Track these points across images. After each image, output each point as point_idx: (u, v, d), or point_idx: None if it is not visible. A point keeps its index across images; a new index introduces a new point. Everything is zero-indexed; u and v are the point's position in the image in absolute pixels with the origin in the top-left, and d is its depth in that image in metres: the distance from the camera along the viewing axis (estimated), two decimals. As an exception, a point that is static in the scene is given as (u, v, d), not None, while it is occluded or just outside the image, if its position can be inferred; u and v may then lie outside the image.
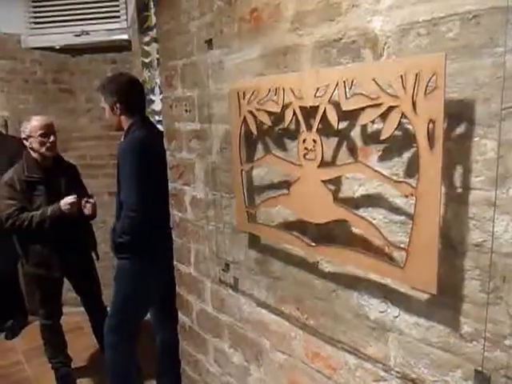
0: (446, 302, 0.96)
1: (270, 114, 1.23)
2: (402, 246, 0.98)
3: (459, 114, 0.90)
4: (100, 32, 3.73)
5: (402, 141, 0.99)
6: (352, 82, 1.00)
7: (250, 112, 1.28)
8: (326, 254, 1.15)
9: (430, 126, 0.87)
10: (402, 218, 1.01)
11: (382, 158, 1.04)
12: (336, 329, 1.22)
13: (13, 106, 3.73)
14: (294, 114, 1.15)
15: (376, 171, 1.00)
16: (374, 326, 1.12)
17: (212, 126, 1.52)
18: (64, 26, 3.64)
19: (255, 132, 1.29)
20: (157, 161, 1.98)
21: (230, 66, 1.41)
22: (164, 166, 1.88)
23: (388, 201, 1.04)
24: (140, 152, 2.12)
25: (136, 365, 2.55)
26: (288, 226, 1.28)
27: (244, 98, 1.29)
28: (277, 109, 1.19)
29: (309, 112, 1.11)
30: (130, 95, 2.29)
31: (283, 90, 1.16)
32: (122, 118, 2.31)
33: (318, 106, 1.08)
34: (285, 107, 1.17)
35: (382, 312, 1.10)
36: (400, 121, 0.93)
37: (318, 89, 1.07)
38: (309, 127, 1.12)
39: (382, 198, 1.05)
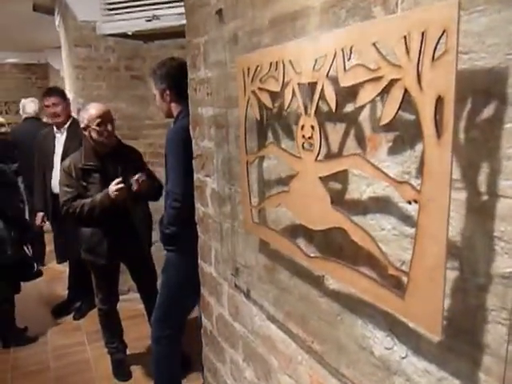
0: (461, 349, 0.72)
1: (271, 94, 1.06)
2: (407, 268, 0.76)
3: (487, 89, 0.65)
4: (170, 16, 3.76)
5: (416, 128, 0.76)
6: (351, 49, 0.79)
7: (253, 92, 1.11)
8: (324, 269, 0.95)
9: (439, 106, 0.64)
10: (414, 230, 0.78)
11: (392, 151, 0.82)
12: (340, 360, 1.02)
13: (87, 93, 3.93)
14: (294, 93, 0.96)
15: (376, 167, 0.78)
16: (379, 364, 0.90)
17: (228, 111, 1.38)
18: (136, 12, 3.73)
19: (258, 116, 1.12)
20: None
21: (244, 40, 1.26)
22: None
23: (398, 207, 0.82)
24: (185, 140, 2.05)
25: (182, 358, 2.52)
26: (293, 231, 1.10)
27: (248, 75, 1.13)
28: (277, 87, 1.01)
29: (307, 90, 0.92)
30: (179, 81, 2.21)
31: (283, 63, 0.98)
32: (172, 104, 2.26)
33: (316, 83, 0.88)
34: (285, 85, 0.99)
35: (387, 349, 0.88)
36: (403, 100, 0.70)
37: (316, 60, 0.88)
38: (307, 110, 0.93)
39: (390, 203, 0.83)
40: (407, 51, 0.68)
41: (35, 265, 3.41)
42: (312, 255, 0.98)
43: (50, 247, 4.63)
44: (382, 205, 0.85)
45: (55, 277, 4.40)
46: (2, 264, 3.06)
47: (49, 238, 4.51)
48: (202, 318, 1.84)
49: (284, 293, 1.21)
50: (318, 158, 0.91)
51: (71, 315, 3.86)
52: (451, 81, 0.61)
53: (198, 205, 1.74)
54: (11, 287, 3.25)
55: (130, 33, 3.85)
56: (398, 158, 0.81)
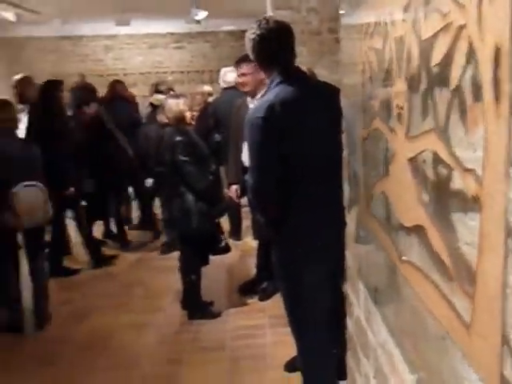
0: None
1: (376, 52, 0.97)
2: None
3: None
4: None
5: None
6: (429, -12, 0.68)
7: (366, 53, 1.04)
8: (411, 278, 0.85)
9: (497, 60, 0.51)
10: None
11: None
12: (443, 400, 0.90)
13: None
14: (391, 50, 0.87)
15: (448, 149, 0.66)
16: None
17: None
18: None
19: (370, 82, 1.05)
20: (301, 125, 1.95)
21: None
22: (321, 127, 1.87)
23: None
24: (267, 122, 1.99)
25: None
26: (392, 224, 1.00)
27: (367, 32, 1.06)
28: (380, 44, 0.93)
29: (399, 47, 0.82)
30: (261, 46, 2.14)
31: (384, 14, 0.89)
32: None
33: (405, 37, 0.78)
34: (385, 41, 0.90)
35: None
36: (469, 54, 0.57)
37: (405, 8, 0.78)
38: (399, 72, 0.83)
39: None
40: (470, -16, 0.55)
41: (222, 239, 3.83)
42: (404, 258, 0.89)
43: (247, 222, 5.10)
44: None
45: (248, 253, 4.79)
46: (188, 236, 3.54)
47: (246, 212, 4.97)
48: (347, 317, 1.82)
49: (401, 303, 1.12)
50: (409, 134, 0.81)
51: (257, 295, 4.16)
52: (505, 23, 0.48)
53: (345, 186, 1.72)
54: (199, 259, 3.71)
55: (333, -11, 3.88)
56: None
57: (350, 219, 1.66)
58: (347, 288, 1.77)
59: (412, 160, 0.80)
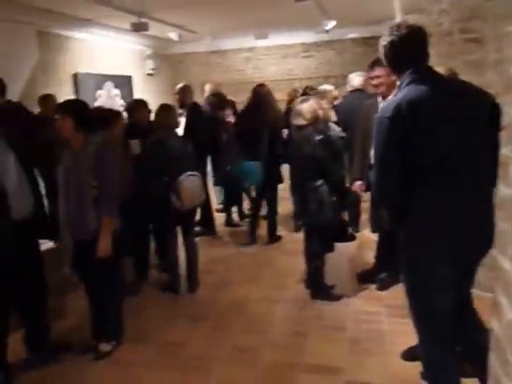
0: None
1: None
2: None
3: None
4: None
5: None
6: None
7: None
8: None
9: None
10: None
11: None
12: None
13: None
14: None
15: None
16: None
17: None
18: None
19: None
20: (432, 124, 1.77)
21: None
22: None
23: None
24: (393, 122, 1.81)
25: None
26: None
27: None
28: None
29: None
30: (393, 52, 1.95)
31: None
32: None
33: None
34: None
35: None
36: None
37: None
38: None
39: None
40: None
41: (348, 229, 3.66)
42: None
43: (366, 215, 4.85)
44: None
45: (366, 245, 4.54)
46: (319, 225, 3.43)
47: (365, 207, 4.73)
48: (493, 319, 1.55)
49: None
50: None
51: (375, 284, 3.84)
52: None
53: (501, 186, 1.45)
54: (325, 246, 3.58)
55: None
56: None
57: (507, 220, 1.39)
58: (496, 288, 1.51)
59: None
